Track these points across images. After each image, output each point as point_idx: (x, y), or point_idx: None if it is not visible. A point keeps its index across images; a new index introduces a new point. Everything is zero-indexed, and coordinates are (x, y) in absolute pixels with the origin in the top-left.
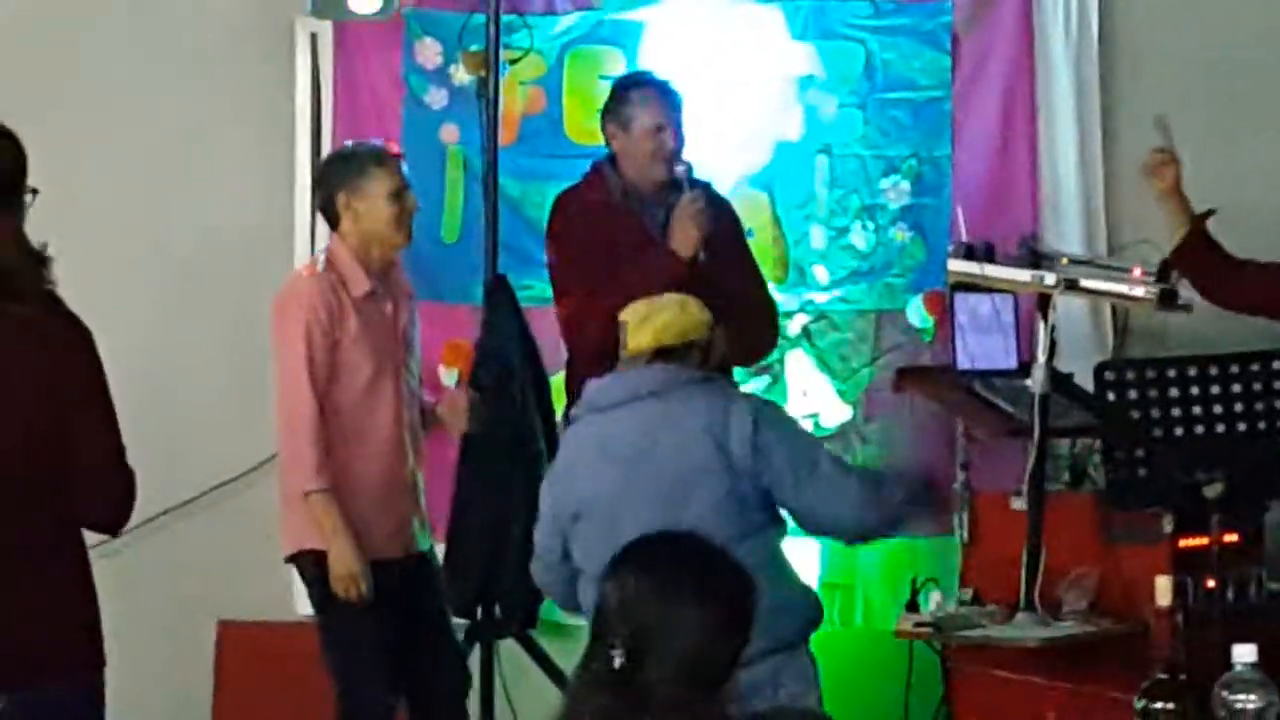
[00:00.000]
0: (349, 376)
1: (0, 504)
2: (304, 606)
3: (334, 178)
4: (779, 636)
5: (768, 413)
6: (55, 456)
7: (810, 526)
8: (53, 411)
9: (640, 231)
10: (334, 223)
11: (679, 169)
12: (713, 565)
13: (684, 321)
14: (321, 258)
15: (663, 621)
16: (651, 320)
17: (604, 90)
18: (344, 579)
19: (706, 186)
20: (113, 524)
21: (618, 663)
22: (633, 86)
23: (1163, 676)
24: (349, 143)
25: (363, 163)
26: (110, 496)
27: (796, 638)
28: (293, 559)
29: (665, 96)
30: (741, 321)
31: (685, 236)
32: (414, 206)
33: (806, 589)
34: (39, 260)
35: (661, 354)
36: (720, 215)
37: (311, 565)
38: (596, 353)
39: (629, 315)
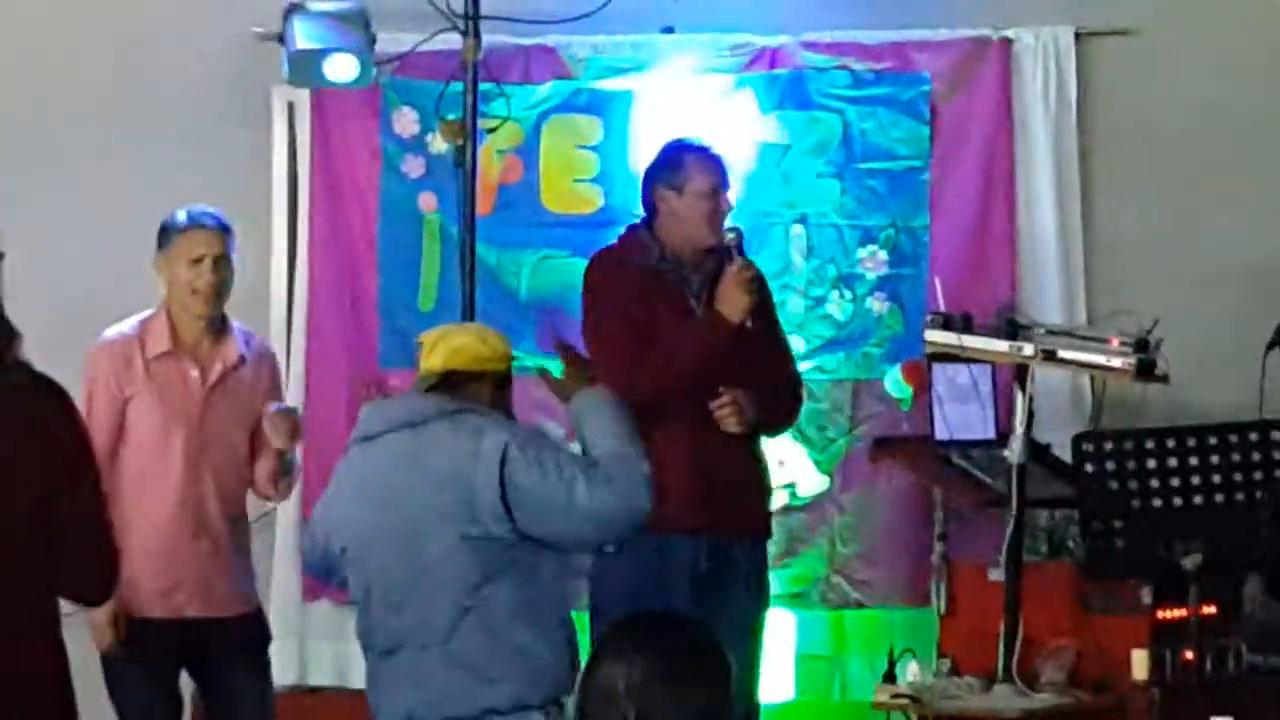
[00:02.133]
0: (135, 434)
1: None
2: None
3: (157, 241)
4: (511, 694)
5: (517, 452)
6: (44, 528)
7: (579, 541)
8: (44, 483)
9: (680, 297)
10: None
11: (730, 236)
12: (706, 646)
13: (479, 350)
14: (138, 318)
15: (669, 703)
16: (446, 342)
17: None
18: (94, 630)
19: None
20: (97, 599)
21: None
22: (687, 150)
23: None
24: (179, 209)
25: (168, 229)
26: (98, 572)
27: (529, 700)
28: None
29: (718, 161)
30: (769, 391)
31: (736, 302)
32: (213, 279)
33: (560, 649)
34: (8, 328)
35: (451, 378)
36: (762, 286)
37: None
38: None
39: (426, 336)
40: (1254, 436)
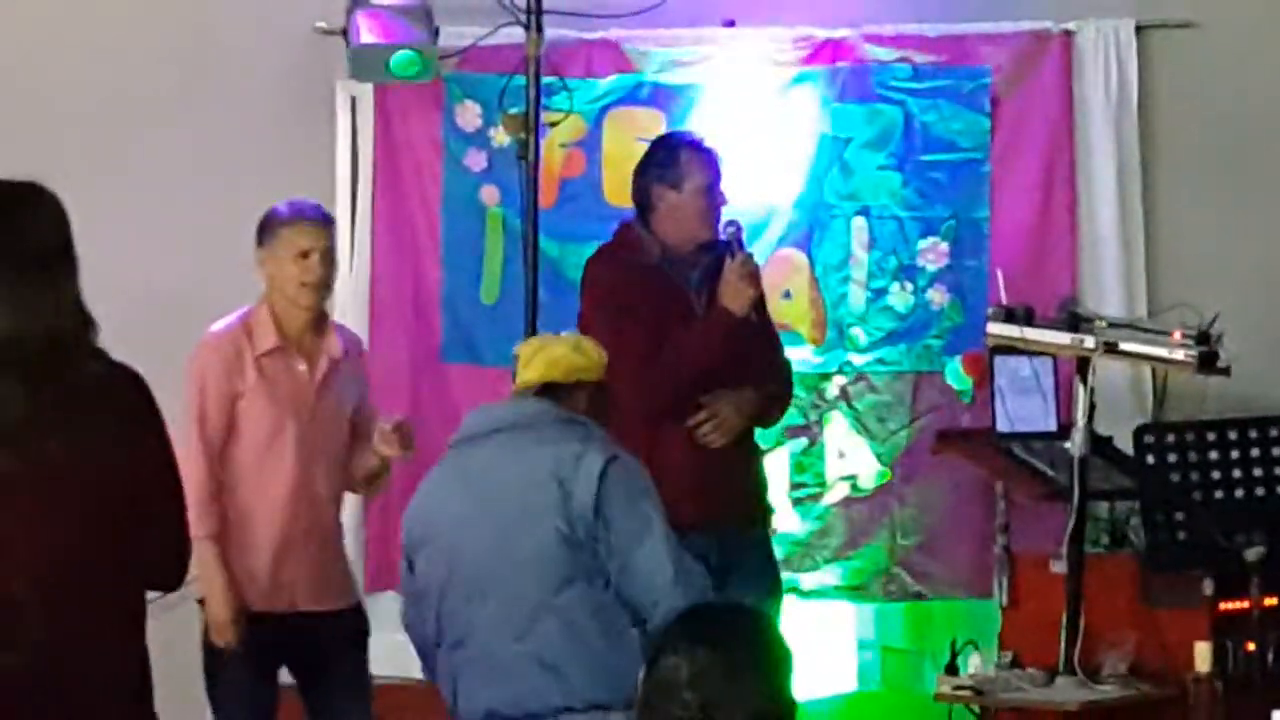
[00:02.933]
0: (248, 430)
1: (84, 567)
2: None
3: (258, 236)
4: (586, 694)
5: (618, 468)
6: (134, 520)
7: (624, 591)
8: (133, 475)
9: (679, 292)
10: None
11: (729, 229)
12: (768, 635)
13: (574, 360)
14: (238, 314)
15: (731, 691)
16: (542, 354)
17: (643, 151)
18: (215, 627)
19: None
20: (174, 584)
21: None
22: (681, 146)
23: None
24: (282, 202)
25: (273, 223)
26: (176, 559)
27: (604, 700)
28: (200, 602)
29: (711, 156)
30: (765, 383)
31: (740, 295)
32: (325, 271)
33: (634, 653)
34: (86, 316)
35: (548, 389)
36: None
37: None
38: (667, 410)
39: (521, 349)
40: None
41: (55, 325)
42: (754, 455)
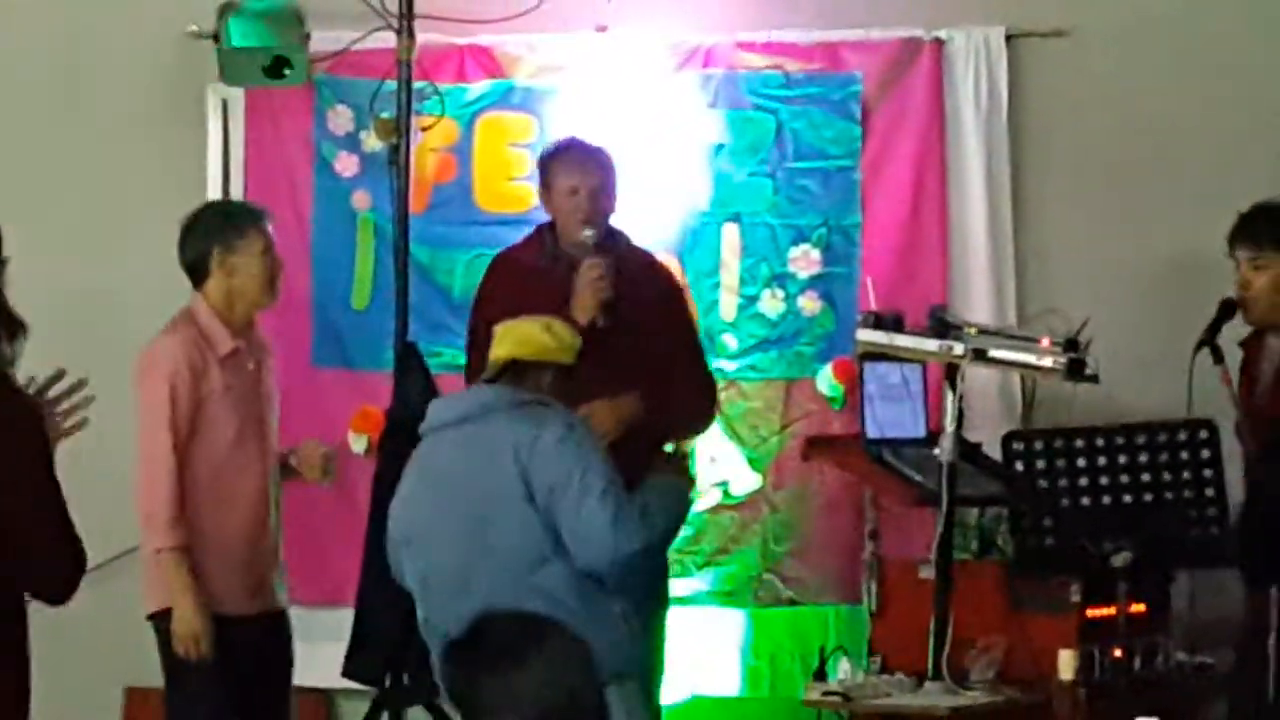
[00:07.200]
0: (213, 435)
1: None
2: None
3: (209, 233)
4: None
5: (568, 440)
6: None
7: (578, 557)
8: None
9: (561, 295)
10: (200, 280)
11: (587, 234)
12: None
13: (543, 340)
14: (181, 316)
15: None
16: (513, 333)
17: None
18: (185, 638)
19: (645, 254)
20: (59, 596)
21: None
22: (557, 150)
23: None
24: (219, 199)
25: (239, 219)
26: (55, 569)
27: (615, 671)
28: (152, 616)
29: (588, 160)
30: (661, 389)
31: (580, 303)
32: (281, 265)
33: (618, 625)
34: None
35: (515, 368)
36: (645, 281)
37: (168, 624)
38: None
39: (497, 328)
40: (1182, 435)
41: None
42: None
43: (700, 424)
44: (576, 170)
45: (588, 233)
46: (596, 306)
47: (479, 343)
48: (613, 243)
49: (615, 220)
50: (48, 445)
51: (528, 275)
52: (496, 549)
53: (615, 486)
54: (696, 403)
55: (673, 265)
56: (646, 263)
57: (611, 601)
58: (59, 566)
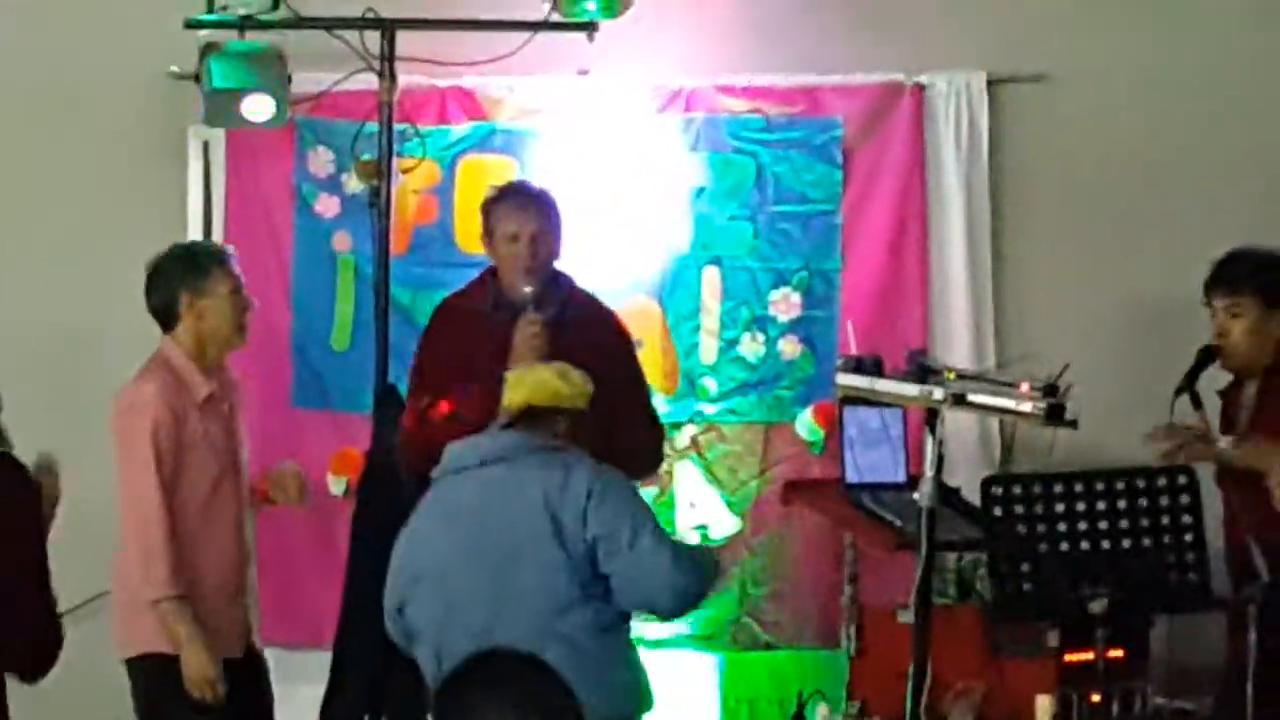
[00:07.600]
0: (193, 480)
1: None
2: None
3: (175, 277)
4: (596, 711)
5: (604, 483)
6: None
7: (624, 598)
8: None
9: (503, 343)
10: (170, 324)
11: (525, 291)
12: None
13: (558, 387)
14: (155, 361)
15: None
16: (529, 378)
17: None
18: (200, 684)
19: (590, 300)
20: (33, 675)
21: None
22: (500, 196)
23: None
24: (183, 242)
25: (204, 261)
26: (33, 650)
27: (612, 715)
28: (133, 662)
29: (530, 206)
30: (605, 436)
31: (518, 358)
32: (250, 304)
33: (638, 673)
34: None
35: (530, 414)
36: (590, 327)
37: (153, 670)
38: (421, 461)
39: (511, 374)
40: (1161, 481)
41: None
42: None
43: (647, 470)
44: (516, 215)
45: (526, 290)
46: (532, 363)
47: (424, 385)
48: (556, 289)
49: (564, 264)
50: (40, 522)
51: (471, 322)
52: (523, 594)
53: (660, 526)
54: (643, 449)
55: (619, 310)
56: (591, 309)
57: (630, 647)
58: (37, 647)
